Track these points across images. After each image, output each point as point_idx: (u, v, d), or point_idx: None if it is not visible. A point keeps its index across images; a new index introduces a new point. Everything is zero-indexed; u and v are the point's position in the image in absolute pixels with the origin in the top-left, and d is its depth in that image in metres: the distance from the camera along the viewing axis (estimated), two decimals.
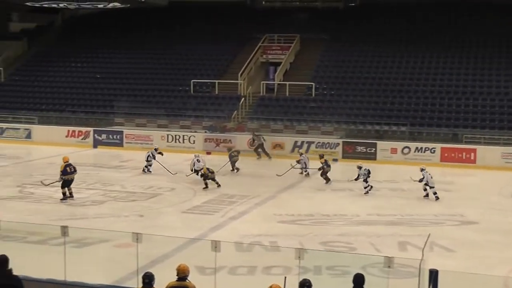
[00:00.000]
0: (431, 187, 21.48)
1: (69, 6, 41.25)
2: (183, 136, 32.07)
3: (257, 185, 23.56)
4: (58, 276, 9.27)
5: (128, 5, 39.55)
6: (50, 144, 32.47)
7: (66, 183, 20.17)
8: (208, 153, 30.74)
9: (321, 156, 24.79)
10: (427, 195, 21.55)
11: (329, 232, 16.76)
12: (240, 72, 36.89)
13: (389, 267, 8.80)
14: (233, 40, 40.29)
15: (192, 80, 36.78)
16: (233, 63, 39.13)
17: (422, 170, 21.77)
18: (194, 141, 31.93)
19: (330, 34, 39.97)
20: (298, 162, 25.69)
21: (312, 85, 35.35)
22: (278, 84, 36.50)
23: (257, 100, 35.76)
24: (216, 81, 36.91)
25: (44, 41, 44.99)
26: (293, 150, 30.52)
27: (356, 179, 22.60)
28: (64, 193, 20.11)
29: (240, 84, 36.47)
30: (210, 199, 20.75)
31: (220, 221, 17.80)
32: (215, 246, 8.62)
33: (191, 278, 8.61)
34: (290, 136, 31.88)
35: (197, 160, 24.24)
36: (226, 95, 36.24)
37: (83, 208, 19.20)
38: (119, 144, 32.49)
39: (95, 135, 33.16)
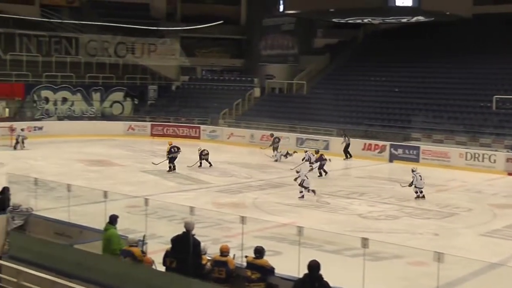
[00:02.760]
0: (418, 188, 22.30)
1: (373, 21, 42.14)
2: (483, 154, 30.63)
3: None
4: (354, 287, 9.40)
5: (432, 19, 39.10)
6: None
7: (171, 159, 27.38)
8: (510, 174, 29.01)
9: (317, 151, 28.09)
10: (418, 196, 22.38)
11: None
12: None
13: None
14: None
15: (495, 96, 35.03)
16: None
17: (413, 171, 22.57)
18: (494, 160, 30.31)
19: None
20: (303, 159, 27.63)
21: None
22: None
23: None
24: None
25: (345, 55, 46.56)
26: None
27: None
28: (170, 167, 27.27)
29: None
30: None
31: None
32: None
33: None
34: None
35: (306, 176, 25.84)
36: None
37: (378, 222, 19.31)
38: (415, 160, 32.05)
39: (392, 149, 33.24)
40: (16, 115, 41.19)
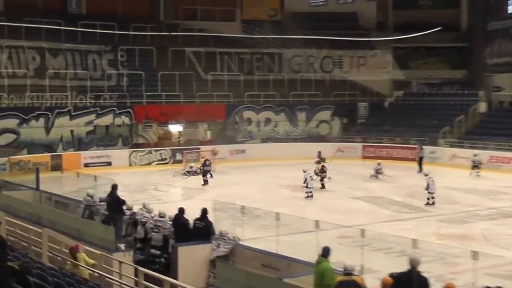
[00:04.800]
0: (430, 193, 25.48)
1: None
2: None
3: None
4: None
5: None
6: None
7: (204, 172, 31.96)
8: None
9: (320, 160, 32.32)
10: (428, 203, 25.42)
11: None
12: None
13: None
14: None
15: None
16: None
17: (426, 175, 26.35)
18: None
19: None
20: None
21: None
22: None
23: None
24: None
25: None
26: None
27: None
28: (204, 180, 31.69)
29: None
30: None
31: None
32: None
33: None
34: None
35: (310, 177, 28.24)
36: None
37: None
38: None
39: None
40: (218, 138, 43.27)
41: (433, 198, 25.63)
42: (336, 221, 19.54)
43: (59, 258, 13.98)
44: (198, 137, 43.05)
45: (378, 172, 33.34)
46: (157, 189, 30.89)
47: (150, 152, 39.73)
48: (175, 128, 42.36)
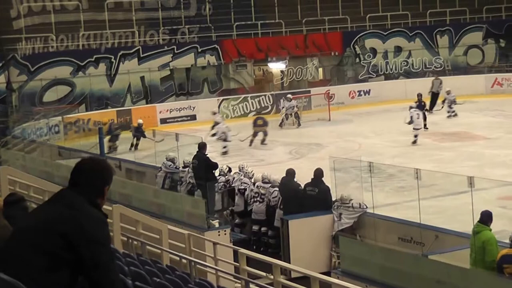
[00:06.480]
0: (415, 128, 28.38)
1: None
2: None
3: None
4: None
5: None
6: None
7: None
8: None
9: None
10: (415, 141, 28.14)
11: None
12: None
13: None
14: None
15: None
16: None
17: (411, 108, 29.36)
18: None
19: None
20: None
21: None
22: None
23: None
24: None
25: None
26: None
27: None
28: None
29: None
30: None
31: None
32: None
33: None
34: None
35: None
36: None
37: None
38: None
39: None
40: (334, 77, 43.01)
41: (416, 136, 28.35)
42: (497, 178, 19.19)
43: (135, 242, 14.25)
44: (307, 77, 42.88)
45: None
46: (257, 147, 31.05)
47: (245, 99, 39.92)
48: (276, 67, 42.37)
